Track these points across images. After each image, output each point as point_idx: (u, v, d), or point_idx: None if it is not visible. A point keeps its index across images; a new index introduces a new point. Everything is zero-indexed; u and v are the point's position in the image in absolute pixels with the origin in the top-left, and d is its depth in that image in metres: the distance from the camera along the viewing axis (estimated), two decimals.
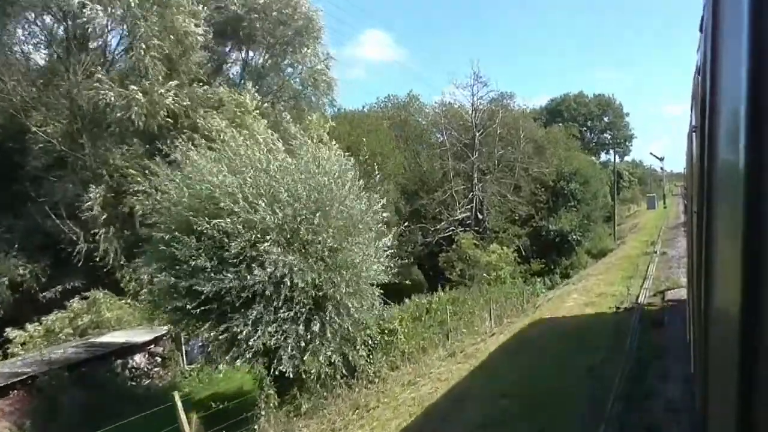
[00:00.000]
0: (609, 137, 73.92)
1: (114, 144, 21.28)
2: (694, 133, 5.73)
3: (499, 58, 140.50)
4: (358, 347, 15.37)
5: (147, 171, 14.72)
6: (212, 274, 11.91)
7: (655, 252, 30.88)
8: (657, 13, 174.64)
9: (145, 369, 17.24)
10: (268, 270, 12.11)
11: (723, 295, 1.92)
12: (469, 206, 35.14)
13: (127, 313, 19.08)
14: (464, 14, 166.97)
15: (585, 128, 73.98)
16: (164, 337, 17.88)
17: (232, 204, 12.22)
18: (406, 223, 34.06)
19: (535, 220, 36.37)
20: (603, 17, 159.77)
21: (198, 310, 12.01)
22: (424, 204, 33.85)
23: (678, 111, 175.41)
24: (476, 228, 35.02)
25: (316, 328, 12.64)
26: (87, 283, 20.66)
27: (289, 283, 12.23)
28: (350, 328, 13.42)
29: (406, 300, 23.04)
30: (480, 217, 35.57)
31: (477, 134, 35.22)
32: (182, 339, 18.25)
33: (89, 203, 20.25)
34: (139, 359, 17.19)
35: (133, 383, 16.69)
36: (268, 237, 12.17)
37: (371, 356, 15.64)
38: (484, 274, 31.90)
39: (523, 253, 35.03)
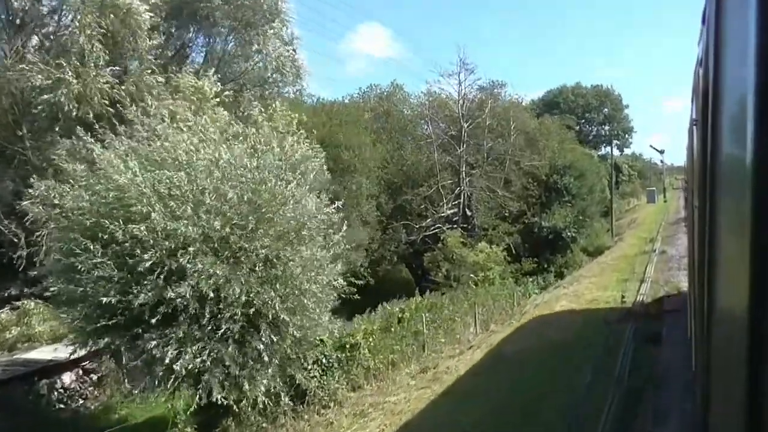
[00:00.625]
0: (607, 130, 71.68)
1: (59, 135, 19.18)
2: (695, 127, 5.72)
3: (495, 54, 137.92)
4: (309, 367, 13.42)
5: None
6: (119, 287, 9.93)
7: (654, 250, 28.85)
8: (654, 5, 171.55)
9: (77, 389, 15.29)
10: (191, 283, 10.13)
11: (727, 291, 1.95)
12: (456, 202, 33.12)
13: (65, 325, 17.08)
14: (460, 8, 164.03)
15: (583, 120, 71.78)
16: (101, 353, 15.89)
17: (148, 208, 10.21)
18: (389, 221, 32.08)
19: (527, 216, 34.36)
20: (599, 11, 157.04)
21: (108, 324, 10.09)
22: (408, 200, 31.80)
23: (676, 105, 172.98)
24: (464, 225, 33.01)
25: (250, 349, 10.68)
26: (28, 290, 18.68)
27: (216, 299, 10.25)
28: (291, 349, 11.45)
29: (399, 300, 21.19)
30: (468, 213, 33.55)
31: (464, 125, 33.13)
32: (123, 355, 16.25)
33: (27, 201, 18.13)
34: (69, 378, 15.23)
35: (61, 406, 14.75)
36: (190, 247, 10.17)
37: (325, 377, 13.68)
38: (471, 275, 29.93)
39: (514, 251, 33.00)
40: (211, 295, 10.15)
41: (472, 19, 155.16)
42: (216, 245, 10.57)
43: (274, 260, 11.09)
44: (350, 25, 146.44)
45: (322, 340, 13.53)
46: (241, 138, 12.47)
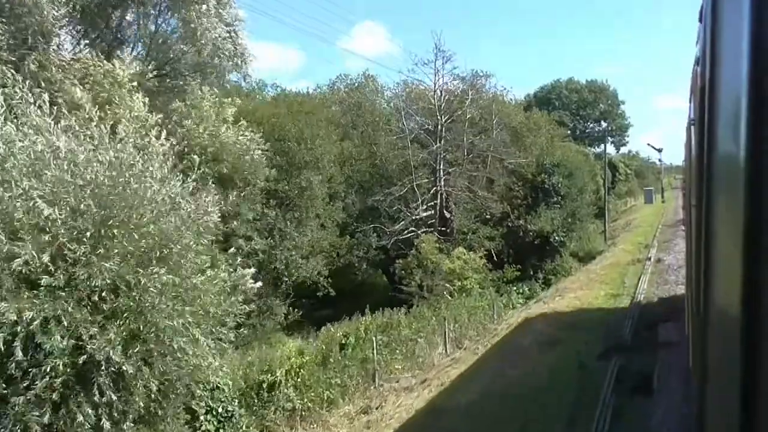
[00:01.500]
0: (602, 127, 68.72)
1: None
2: (692, 126, 5.75)
3: (490, 52, 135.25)
4: (201, 419, 10.44)
5: None
6: None
7: (649, 258, 25.92)
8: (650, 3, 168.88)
9: None
10: None
11: (722, 289, 1.98)
12: (432, 203, 30.11)
13: None
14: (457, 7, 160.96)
15: (578, 117, 68.82)
16: None
17: None
18: (357, 224, 29.10)
19: (511, 219, 31.35)
20: (593, 10, 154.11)
21: None
22: (380, 200, 28.78)
23: (670, 103, 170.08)
24: (442, 228, 30.00)
25: (80, 417, 7.69)
26: None
27: (22, 348, 7.27)
28: (153, 406, 8.47)
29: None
30: (446, 216, 30.54)
31: (441, 119, 30.11)
32: None
33: None
34: None
35: None
36: None
37: (223, 430, 10.69)
38: (447, 284, 26.97)
39: (497, 257, 30.03)
40: (17, 344, 7.17)
41: (463, 16, 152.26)
42: (31, 274, 7.57)
43: (124, 288, 8.11)
44: (347, 27, 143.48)
45: (217, 387, 10.53)
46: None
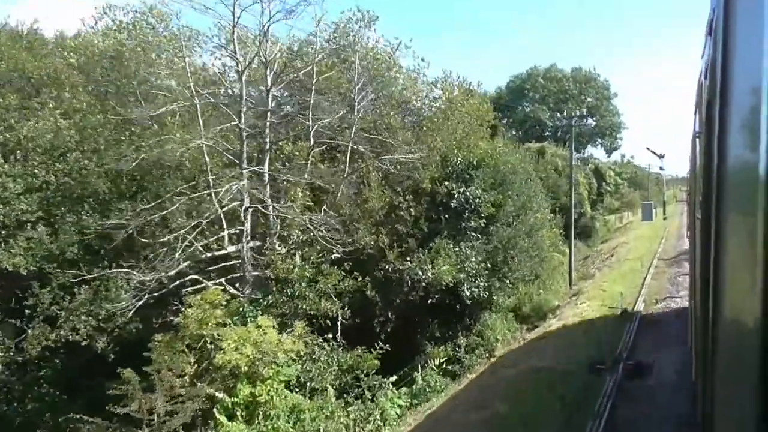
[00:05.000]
0: (586, 123, 55.13)
1: None
2: (698, 139, 5.87)
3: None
4: None
5: None
6: None
7: (625, 349, 12.53)
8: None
9: None
10: None
11: (737, 300, 1.89)
12: (239, 230, 16.80)
13: None
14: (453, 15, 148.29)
15: (558, 113, 55.45)
16: None
17: None
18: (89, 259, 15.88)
19: (386, 259, 17.94)
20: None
21: None
22: (128, 219, 15.46)
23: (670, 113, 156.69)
24: (257, 274, 16.79)
25: None
26: None
27: None
28: None
29: None
30: (277, 249, 17.21)
31: (268, 78, 16.88)
32: None
33: None
34: None
35: None
36: None
37: None
38: (219, 395, 13.81)
39: (346, 331, 16.71)
40: None
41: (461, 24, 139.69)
42: None
43: None
44: None
45: None
46: None
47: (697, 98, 6.09)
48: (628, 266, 28.02)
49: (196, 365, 14.89)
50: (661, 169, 59.32)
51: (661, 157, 57.36)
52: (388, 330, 18.57)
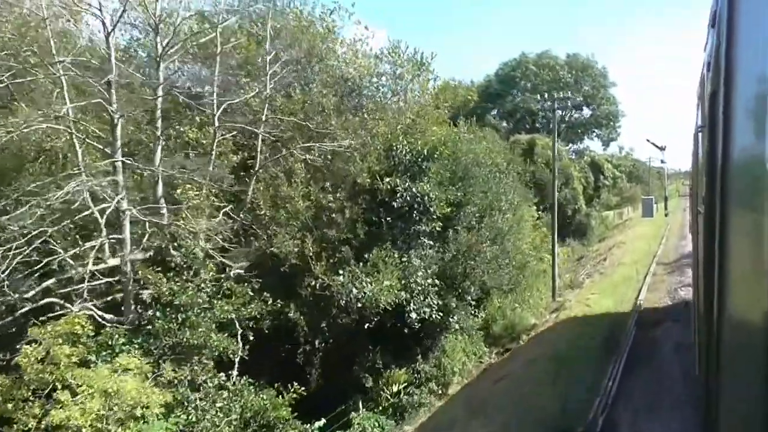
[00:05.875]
0: (581, 114, 51.16)
1: None
2: (700, 132, 5.64)
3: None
4: None
5: None
6: None
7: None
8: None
9: None
10: None
11: (741, 296, 1.86)
12: (116, 238, 13.15)
13: None
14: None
15: (551, 102, 51.44)
16: None
17: None
18: None
19: (314, 273, 14.21)
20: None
21: None
22: None
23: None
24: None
25: None
26: None
27: None
28: None
29: None
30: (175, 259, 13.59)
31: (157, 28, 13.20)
32: None
33: None
34: None
35: None
36: None
37: None
38: None
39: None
40: None
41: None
42: None
43: None
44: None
45: None
46: None
47: (700, 91, 6.09)
48: (622, 273, 24.26)
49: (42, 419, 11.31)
50: (662, 162, 55.38)
51: (662, 149, 53.34)
52: (317, 361, 14.94)
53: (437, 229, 15.93)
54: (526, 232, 24.10)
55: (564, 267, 35.73)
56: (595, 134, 51.91)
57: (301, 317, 14.62)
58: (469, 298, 16.39)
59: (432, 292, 14.79)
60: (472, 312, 18.60)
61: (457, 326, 15.87)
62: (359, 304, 14.21)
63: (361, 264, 14.61)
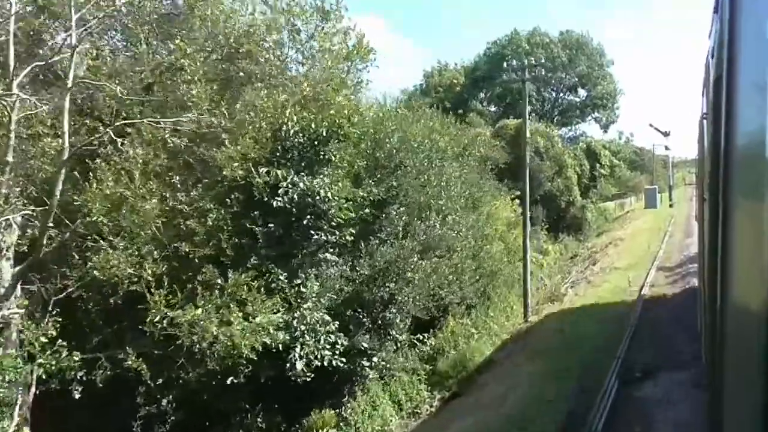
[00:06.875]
0: (578, 96, 46.20)
1: None
2: (705, 120, 5.76)
3: None
4: None
5: None
6: None
7: None
8: None
9: None
10: None
11: (745, 281, 1.88)
12: None
13: None
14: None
15: (544, 84, 46.71)
16: None
17: None
18: None
19: (157, 307, 9.83)
20: None
21: None
22: None
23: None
24: None
25: None
26: None
27: None
28: None
29: None
30: None
31: None
32: None
33: None
34: None
35: None
36: None
37: None
38: None
39: None
40: None
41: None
42: None
43: None
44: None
45: None
46: None
47: (705, 78, 6.10)
48: (614, 282, 19.67)
49: None
50: (666, 148, 50.46)
51: (666, 134, 48.32)
52: (167, 427, 10.57)
53: (347, 239, 11.47)
54: (495, 234, 19.63)
55: (554, 268, 31.24)
56: (592, 117, 47.06)
57: (145, 367, 10.25)
58: (394, 332, 11.92)
59: (329, 330, 10.35)
60: (417, 340, 14.29)
61: (372, 373, 11.42)
62: (211, 351, 9.83)
63: (225, 291, 10.18)
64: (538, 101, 47.04)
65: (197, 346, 9.99)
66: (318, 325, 10.14)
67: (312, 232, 11.20)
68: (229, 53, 12.31)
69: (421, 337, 15.01)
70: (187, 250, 10.55)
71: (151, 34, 11.81)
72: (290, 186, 10.60)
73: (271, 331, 10.01)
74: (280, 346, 10.03)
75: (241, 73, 11.76)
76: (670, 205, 48.35)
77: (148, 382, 10.31)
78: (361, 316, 11.56)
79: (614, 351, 11.02)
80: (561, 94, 47.97)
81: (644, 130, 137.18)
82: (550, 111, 46.53)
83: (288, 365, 10.21)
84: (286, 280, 10.83)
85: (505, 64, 24.82)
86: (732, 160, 2.40)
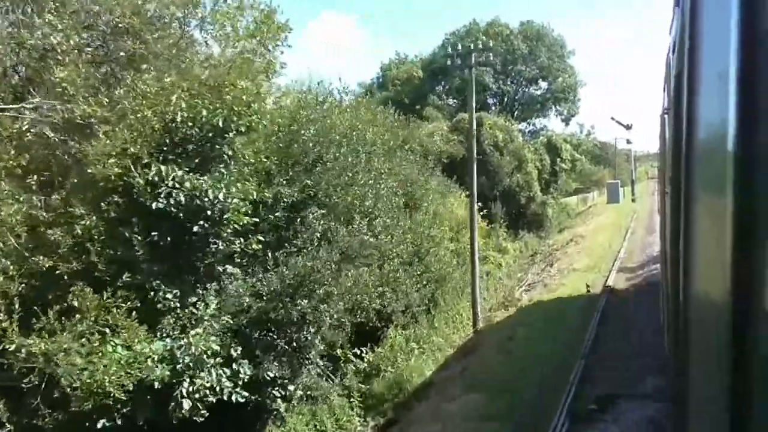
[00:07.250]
0: (538, 86, 45.28)
1: None
2: (666, 115, 5.89)
3: None
4: None
5: None
6: None
7: None
8: None
9: None
10: None
11: (706, 277, 1.90)
12: None
13: None
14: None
15: (504, 76, 45.66)
16: None
17: None
18: None
19: (7, 338, 7.95)
20: None
21: None
22: None
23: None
24: None
25: None
26: None
27: None
28: None
29: None
30: None
31: None
32: None
33: None
34: None
35: None
36: None
37: None
38: None
39: None
40: None
41: None
42: None
43: None
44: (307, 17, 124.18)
45: None
46: None
47: (666, 74, 6.15)
48: (572, 286, 18.39)
49: None
50: (628, 142, 50.09)
51: (628, 128, 47.96)
52: None
53: (253, 248, 9.70)
54: (444, 234, 18.11)
55: (514, 267, 30.04)
56: (554, 111, 46.21)
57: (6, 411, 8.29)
58: (310, 355, 10.21)
59: (219, 363, 8.58)
60: (355, 355, 12.68)
61: (284, 405, 9.69)
62: (72, 389, 7.97)
63: (87, 316, 8.29)
64: (498, 95, 45.93)
65: (56, 382, 8.12)
66: (206, 356, 8.33)
67: (211, 240, 9.42)
68: (112, 30, 10.37)
69: (358, 352, 13.48)
70: (48, 264, 8.61)
71: (13, 5, 9.78)
72: (176, 186, 8.74)
73: (149, 364, 8.18)
74: (164, 381, 8.22)
75: (122, 53, 9.82)
76: (633, 200, 48.01)
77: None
78: (271, 339, 9.81)
79: (567, 375, 9.54)
80: (521, 87, 46.93)
81: (606, 124, 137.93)
82: (510, 105, 45.45)
83: (173, 404, 8.38)
84: (176, 299, 9.02)
85: (456, 55, 23.27)
86: (693, 153, 2.44)
